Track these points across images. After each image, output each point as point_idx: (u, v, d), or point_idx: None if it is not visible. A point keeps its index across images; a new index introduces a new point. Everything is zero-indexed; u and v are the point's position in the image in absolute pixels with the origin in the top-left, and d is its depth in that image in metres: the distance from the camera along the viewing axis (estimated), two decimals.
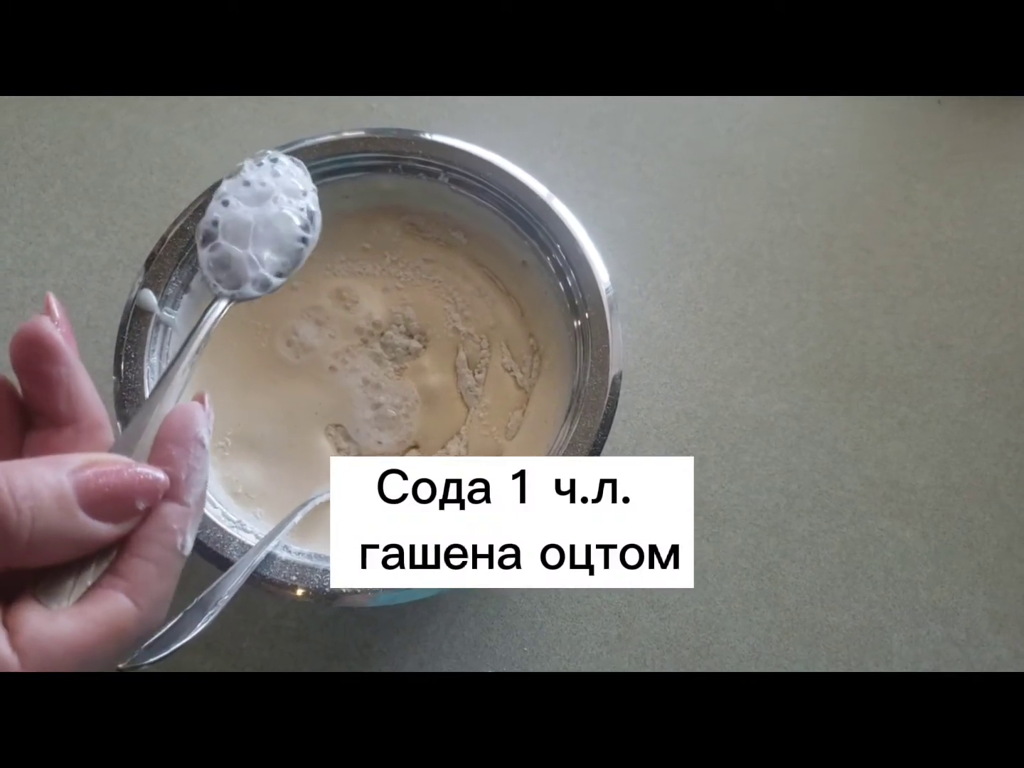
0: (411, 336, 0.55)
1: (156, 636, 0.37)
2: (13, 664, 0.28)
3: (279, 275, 0.44)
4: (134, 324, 0.49)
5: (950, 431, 0.62)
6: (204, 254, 0.43)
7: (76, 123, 0.66)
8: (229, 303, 0.43)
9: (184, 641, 0.38)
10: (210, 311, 0.42)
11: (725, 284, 0.65)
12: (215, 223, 0.43)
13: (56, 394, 0.33)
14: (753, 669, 0.56)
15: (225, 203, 0.43)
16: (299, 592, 0.45)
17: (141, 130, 0.66)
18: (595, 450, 0.48)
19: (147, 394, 0.48)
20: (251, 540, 0.46)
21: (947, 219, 0.68)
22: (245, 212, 0.43)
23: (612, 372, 0.49)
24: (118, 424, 0.48)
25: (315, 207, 0.46)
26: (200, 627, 0.39)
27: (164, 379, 0.38)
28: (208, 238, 0.43)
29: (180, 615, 0.39)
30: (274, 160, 0.46)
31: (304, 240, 0.44)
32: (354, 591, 0.45)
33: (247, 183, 0.44)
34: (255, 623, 0.56)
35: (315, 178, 0.53)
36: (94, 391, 0.35)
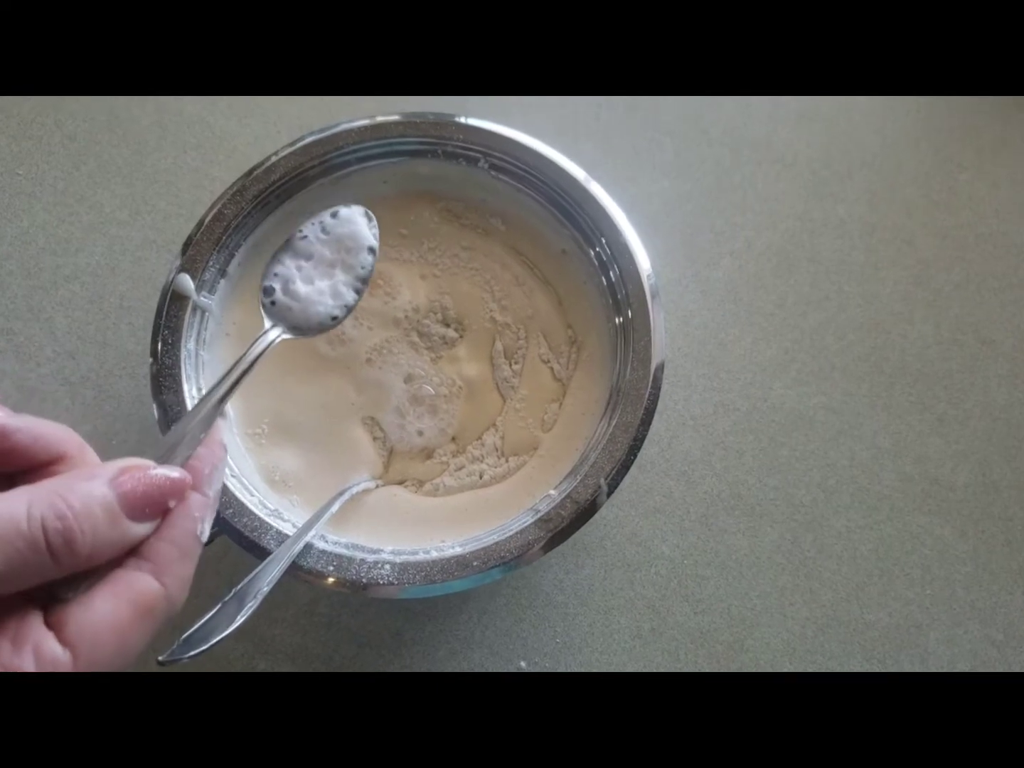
0: (447, 325, 0.55)
1: (194, 628, 0.37)
2: (64, 661, 0.30)
3: (334, 318, 0.46)
4: (171, 309, 0.49)
5: (991, 428, 0.61)
6: (266, 302, 0.46)
7: (110, 100, 0.65)
8: (279, 338, 0.45)
9: (223, 635, 0.37)
10: (260, 342, 0.44)
11: (765, 274, 0.64)
12: (279, 280, 0.47)
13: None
14: (787, 666, 0.56)
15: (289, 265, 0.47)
16: (331, 581, 0.45)
17: (175, 108, 0.66)
18: (636, 445, 0.47)
19: (184, 379, 0.48)
20: (287, 528, 0.46)
21: (991, 211, 0.67)
22: (307, 279, 0.47)
23: (654, 364, 0.48)
24: (153, 406, 0.48)
25: (373, 260, 0.48)
26: (240, 620, 0.38)
27: (204, 400, 0.40)
28: (270, 292, 0.46)
29: (219, 606, 0.39)
30: (334, 215, 0.48)
31: (359, 292, 0.47)
32: (389, 583, 0.45)
33: (310, 256, 0.47)
34: (287, 608, 0.56)
35: (353, 162, 0.53)
36: (57, 426, 0.35)
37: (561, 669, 0.55)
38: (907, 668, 0.56)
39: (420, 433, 0.53)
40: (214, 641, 0.37)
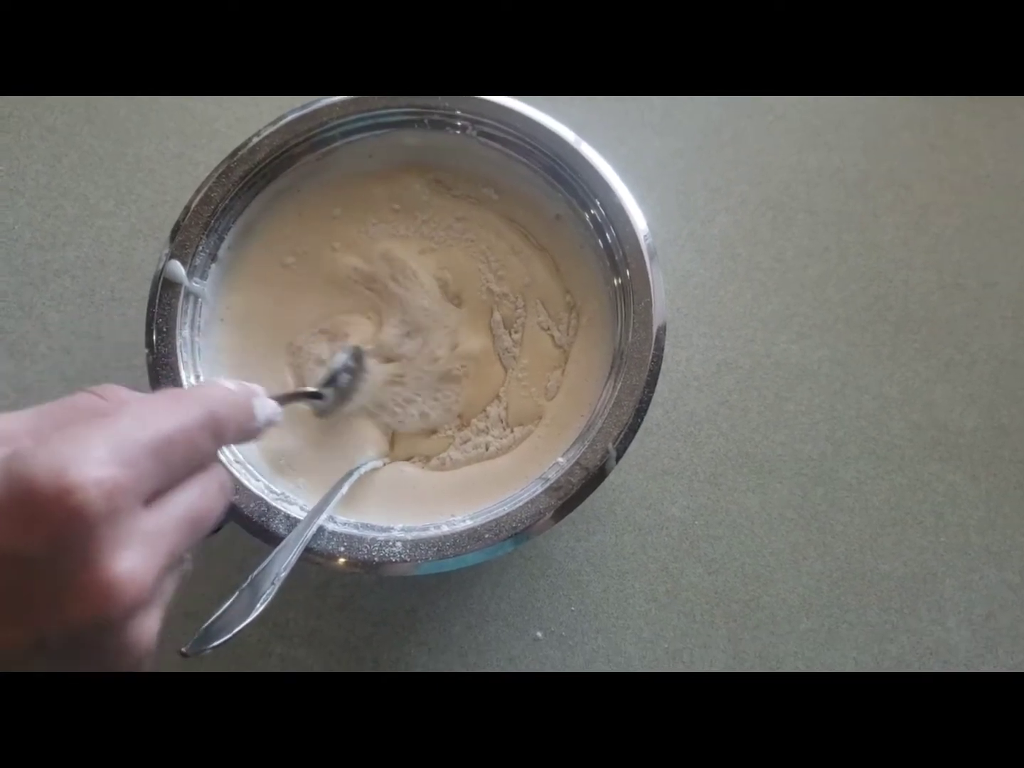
0: (448, 300, 0.54)
1: (213, 618, 0.37)
2: None
3: None
4: (163, 297, 0.48)
5: (998, 371, 0.61)
6: None
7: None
8: None
9: (245, 623, 0.36)
10: None
11: (762, 228, 0.63)
12: None
13: None
14: (804, 621, 0.56)
15: None
16: (343, 562, 0.45)
17: (153, 95, 0.64)
18: (642, 408, 0.47)
19: (180, 367, 0.47)
20: (295, 512, 0.46)
21: (988, 151, 0.65)
22: None
23: (656, 325, 0.48)
24: None
25: None
26: (260, 607, 0.37)
27: None
28: None
29: (236, 594, 0.38)
30: None
31: None
32: (402, 560, 0.45)
33: None
34: (299, 591, 0.55)
35: (338, 137, 0.52)
36: None
37: (577, 637, 0.55)
38: (924, 617, 0.56)
39: (424, 416, 0.52)
40: (236, 630, 0.36)
